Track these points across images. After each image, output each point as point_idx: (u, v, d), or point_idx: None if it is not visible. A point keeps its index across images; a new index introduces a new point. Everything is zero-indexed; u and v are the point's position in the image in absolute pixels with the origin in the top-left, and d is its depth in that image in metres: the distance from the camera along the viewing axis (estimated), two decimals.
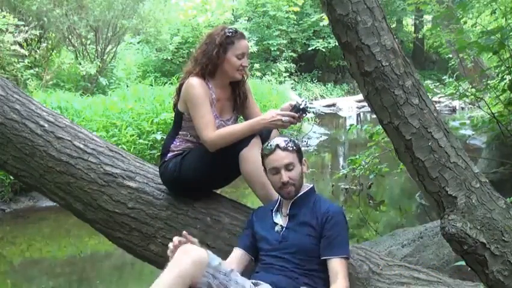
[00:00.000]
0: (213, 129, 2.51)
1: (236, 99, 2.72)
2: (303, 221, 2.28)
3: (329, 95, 18.04)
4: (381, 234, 4.82)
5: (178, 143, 2.67)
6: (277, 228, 2.32)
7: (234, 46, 2.59)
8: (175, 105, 2.70)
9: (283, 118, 2.47)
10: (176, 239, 2.05)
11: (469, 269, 1.93)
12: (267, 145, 2.33)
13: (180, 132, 2.67)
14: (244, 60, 2.63)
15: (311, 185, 2.42)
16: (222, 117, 2.66)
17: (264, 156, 2.34)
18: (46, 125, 2.71)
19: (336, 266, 2.19)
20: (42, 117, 2.73)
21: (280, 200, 2.39)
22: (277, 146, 2.30)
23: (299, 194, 2.35)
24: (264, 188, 2.53)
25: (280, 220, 2.34)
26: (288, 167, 2.28)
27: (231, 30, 2.62)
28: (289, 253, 2.24)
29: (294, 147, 2.32)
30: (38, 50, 10.42)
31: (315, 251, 2.24)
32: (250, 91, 2.80)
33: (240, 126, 2.55)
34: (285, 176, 2.27)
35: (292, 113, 2.48)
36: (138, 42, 15.05)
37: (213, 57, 2.58)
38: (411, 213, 6.17)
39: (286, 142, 2.32)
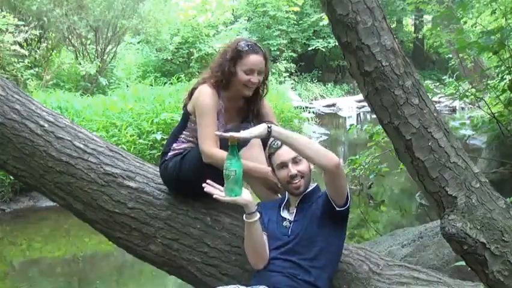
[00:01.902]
0: (213, 143, 2.49)
1: (247, 114, 2.70)
2: (310, 213, 2.29)
3: (329, 95, 18.05)
4: (381, 234, 4.82)
5: (180, 142, 2.66)
6: (285, 223, 2.33)
7: (242, 61, 2.55)
8: (185, 105, 2.69)
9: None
10: None
11: (469, 269, 1.93)
12: (273, 143, 2.35)
13: (184, 132, 2.67)
14: (253, 77, 2.55)
15: (316, 184, 2.43)
16: (227, 126, 2.63)
17: (270, 154, 2.36)
18: (46, 125, 2.70)
19: None
20: (42, 117, 2.73)
21: (288, 197, 2.39)
22: None
23: (307, 191, 2.35)
24: (265, 187, 2.53)
25: (288, 215, 2.35)
26: (295, 159, 2.30)
27: (243, 44, 2.57)
28: (295, 246, 2.25)
29: None
30: (38, 50, 10.41)
31: (320, 237, 2.25)
32: (270, 109, 2.76)
33: (246, 163, 2.48)
34: (292, 169, 2.29)
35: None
36: (138, 42, 15.04)
37: (225, 72, 2.56)
38: (411, 213, 6.17)
39: None
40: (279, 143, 2.31)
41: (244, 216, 2.24)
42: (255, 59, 2.55)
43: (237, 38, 2.70)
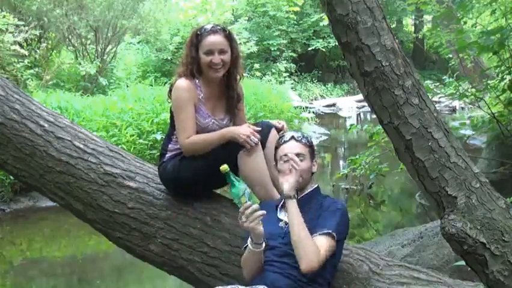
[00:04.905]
0: (190, 135, 2.54)
1: (229, 100, 2.71)
2: (308, 218, 2.28)
3: (329, 95, 18.04)
4: (381, 234, 4.82)
5: (174, 142, 2.67)
6: (281, 224, 2.31)
7: (201, 44, 2.57)
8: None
9: (252, 137, 2.47)
10: None
11: (469, 269, 1.93)
12: (283, 136, 2.40)
13: (175, 133, 2.67)
14: (214, 57, 2.56)
15: (316, 185, 2.43)
16: (215, 116, 2.65)
17: (277, 146, 2.39)
18: (46, 125, 2.71)
19: (320, 241, 2.19)
20: (42, 117, 2.73)
21: (283, 196, 2.38)
22: (293, 137, 2.37)
23: (305, 193, 2.35)
24: (264, 188, 2.53)
25: (285, 216, 2.33)
26: (298, 156, 2.32)
27: (202, 28, 2.60)
28: (291, 248, 2.23)
29: (308, 143, 2.38)
30: (38, 50, 10.41)
31: None
32: (242, 92, 2.78)
33: (211, 134, 2.56)
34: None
35: (258, 136, 2.48)
36: (138, 42, 15.04)
37: (191, 57, 2.60)
38: (411, 213, 6.17)
39: (301, 136, 2.39)
40: (288, 136, 2.36)
41: (249, 242, 2.23)
42: (212, 39, 2.57)
43: (200, 25, 2.72)
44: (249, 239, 2.23)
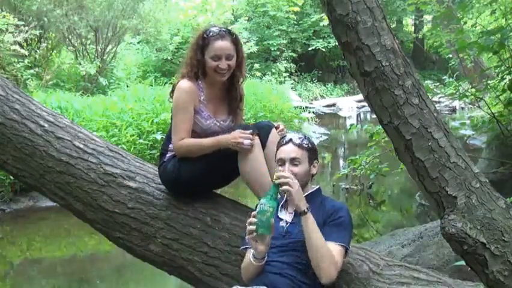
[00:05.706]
0: (183, 137, 2.53)
1: (231, 101, 2.71)
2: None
3: (329, 95, 18.03)
4: (381, 234, 4.82)
5: None
6: (281, 223, 2.31)
7: (208, 48, 2.55)
8: None
9: (245, 141, 2.45)
10: None
11: (469, 269, 1.93)
12: (284, 137, 2.37)
13: None
14: (221, 63, 2.54)
15: (318, 186, 2.42)
16: (217, 117, 2.64)
17: (278, 147, 2.37)
18: (46, 125, 2.71)
19: (335, 251, 2.19)
20: (42, 117, 2.73)
21: (286, 197, 2.38)
22: (291, 140, 2.33)
23: (305, 194, 2.34)
24: (264, 188, 2.52)
25: (285, 216, 2.33)
26: (293, 161, 2.29)
27: (209, 31, 2.57)
28: (292, 248, 2.24)
29: (308, 146, 2.34)
30: (38, 50, 10.43)
31: None
32: (243, 93, 2.77)
33: (205, 140, 2.55)
34: (288, 169, 2.28)
35: (250, 137, 2.46)
36: (138, 42, 15.06)
37: (196, 60, 2.58)
38: (411, 213, 6.18)
39: (302, 139, 2.34)
40: (287, 139, 2.33)
41: (251, 255, 2.24)
42: (220, 45, 2.55)
43: (205, 27, 2.69)
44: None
